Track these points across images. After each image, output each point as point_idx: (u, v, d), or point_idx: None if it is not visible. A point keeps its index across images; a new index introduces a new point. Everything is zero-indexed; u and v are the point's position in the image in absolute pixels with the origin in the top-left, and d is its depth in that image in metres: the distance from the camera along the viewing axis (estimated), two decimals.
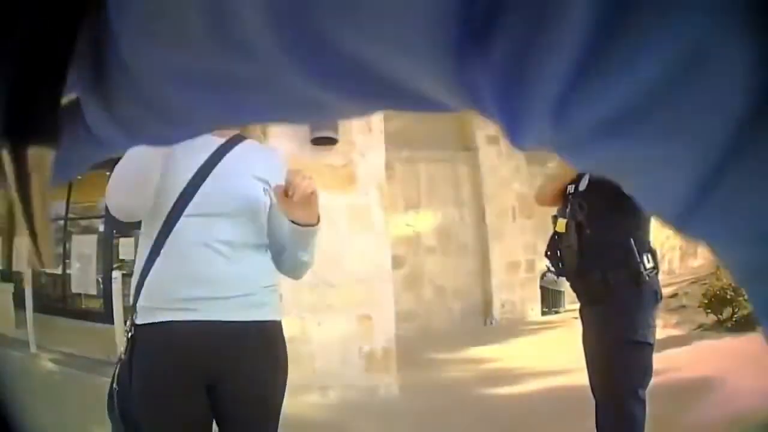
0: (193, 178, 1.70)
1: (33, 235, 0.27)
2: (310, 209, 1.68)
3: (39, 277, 10.59)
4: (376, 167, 5.53)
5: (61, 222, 12.61)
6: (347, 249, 5.24)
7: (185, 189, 1.69)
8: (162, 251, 1.67)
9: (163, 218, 1.68)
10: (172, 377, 1.65)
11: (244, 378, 1.73)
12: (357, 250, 5.26)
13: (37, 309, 8.00)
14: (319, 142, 5.33)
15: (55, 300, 11.44)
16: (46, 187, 0.25)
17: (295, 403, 4.78)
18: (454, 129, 11.13)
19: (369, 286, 5.23)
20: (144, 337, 1.67)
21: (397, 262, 9.07)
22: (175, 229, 1.67)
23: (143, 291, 1.68)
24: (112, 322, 6.67)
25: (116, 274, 7.27)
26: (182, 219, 1.67)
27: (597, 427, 2.77)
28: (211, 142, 1.76)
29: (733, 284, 7.14)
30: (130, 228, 11.43)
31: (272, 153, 2.05)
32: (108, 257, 10.93)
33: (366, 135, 5.56)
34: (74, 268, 11.37)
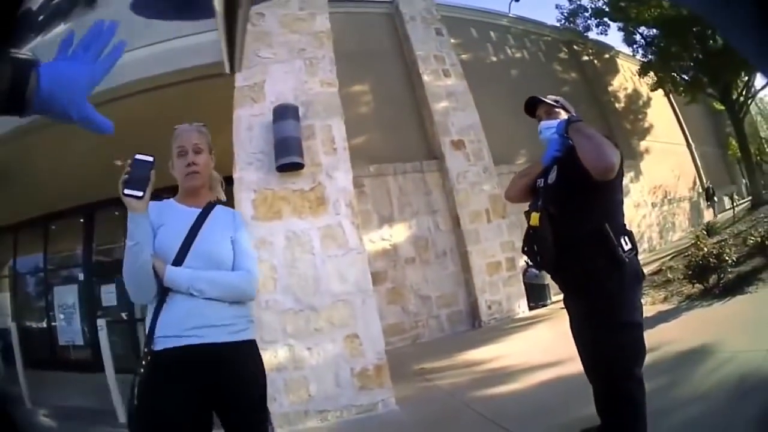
0: (186, 239, 2.33)
1: (231, 43, 0.35)
2: None
3: (26, 333, 10.48)
4: (345, 186, 5.54)
5: (41, 275, 12.45)
6: (326, 271, 5.25)
7: (180, 248, 2.30)
8: (168, 295, 2.25)
9: None
10: (183, 386, 2.16)
11: (236, 377, 2.30)
12: (335, 271, 5.26)
13: (27, 364, 7.90)
14: (284, 168, 5.34)
15: (44, 354, 11.28)
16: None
17: (296, 430, 4.77)
18: (419, 139, 11.24)
19: (352, 306, 5.22)
20: (163, 359, 2.18)
21: (378, 278, 9.12)
22: None
23: (158, 325, 2.23)
24: (102, 369, 6.50)
25: (101, 323, 6.97)
26: None
27: (597, 411, 2.81)
28: (192, 212, 2.43)
29: (715, 251, 7.29)
30: (111, 274, 11.42)
31: (237, 214, 2.65)
32: (91, 306, 10.83)
33: (331, 155, 5.59)
34: (59, 320, 11.26)
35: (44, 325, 11.98)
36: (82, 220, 11.83)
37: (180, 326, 2.21)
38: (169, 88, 6.91)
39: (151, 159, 2.16)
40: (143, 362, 2.22)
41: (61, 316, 11.27)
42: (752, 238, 8.26)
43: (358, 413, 5.02)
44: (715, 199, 20.99)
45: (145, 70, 6.74)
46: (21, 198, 10.20)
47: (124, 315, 11.06)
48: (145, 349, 2.24)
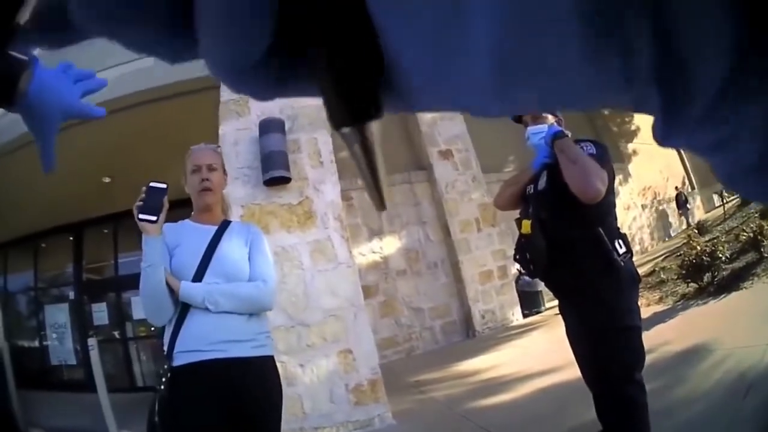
0: (203, 257, 2.39)
1: (377, 185, 0.33)
2: None
3: (18, 352, 10.40)
4: (333, 199, 5.50)
5: (32, 293, 12.36)
6: (316, 286, 5.18)
7: (198, 266, 2.36)
8: (189, 311, 2.31)
9: None
10: (206, 400, 2.21)
11: (255, 394, 2.33)
12: (326, 286, 5.20)
13: (19, 384, 7.85)
14: (272, 182, 5.29)
15: (37, 373, 11.23)
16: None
17: None
18: (406, 150, 11.22)
19: (344, 320, 5.16)
20: (184, 374, 2.22)
21: (369, 291, 9.09)
22: None
23: (178, 340, 2.27)
24: (95, 389, 6.45)
25: (92, 342, 6.96)
26: None
27: (598, 416, 2.75)
28: (208, 229, 2.49)
29: (708, 249, 7.29)
30: (102, 292, 11.37)
31: (253, 228, 2.68)
32: (82, 325, 10.85)
33: (318, 169, 5.54)
34: (51, 339, 11.21)
35: (36, 344, 11.96)
36: (71, 238, 11.83)
37: (202, 341, 2.26)
38: (156, 104, 6.86)
39: (164, 186, 2.32)
40: (162, 379, 2.27)
41: (53, 336, 11.25)
42: (744, 233, 8.26)
43: (355, 429, 4.95)
44: (688, 206, 20.80)
45: (132, 85, 6.68)
46: (10, 216, 10.13)
47: (116, 334, 11.11)
48: (165, 366, 2.29)
